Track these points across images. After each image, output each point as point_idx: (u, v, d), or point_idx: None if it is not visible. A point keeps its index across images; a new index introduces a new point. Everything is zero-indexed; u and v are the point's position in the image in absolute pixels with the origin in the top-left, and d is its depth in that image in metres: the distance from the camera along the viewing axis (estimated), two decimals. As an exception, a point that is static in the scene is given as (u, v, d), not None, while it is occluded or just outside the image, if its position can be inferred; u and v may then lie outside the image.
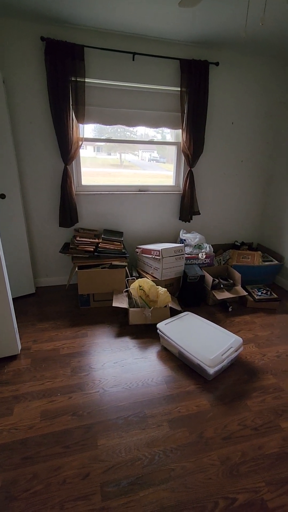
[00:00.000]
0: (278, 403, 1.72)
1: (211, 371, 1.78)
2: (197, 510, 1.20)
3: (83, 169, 2.85)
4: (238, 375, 1.92)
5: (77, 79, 2.32)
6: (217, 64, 2.63)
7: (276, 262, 3.14)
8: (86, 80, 2.43)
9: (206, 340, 2.00)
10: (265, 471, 1.36)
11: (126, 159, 3.34)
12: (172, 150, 3.06)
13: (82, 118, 2.45)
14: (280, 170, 3.18)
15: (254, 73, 2.86)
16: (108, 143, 3.11)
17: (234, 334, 2.07)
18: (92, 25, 2.25)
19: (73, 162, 2.70)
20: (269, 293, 2.81)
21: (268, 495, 1.26)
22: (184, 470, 1.35)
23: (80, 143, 2.54)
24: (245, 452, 1.44)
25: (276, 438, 1.51)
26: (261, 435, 1.53)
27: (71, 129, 2.43)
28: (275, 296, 2.77)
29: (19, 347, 2.04)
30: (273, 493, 1.27)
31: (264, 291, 2.84)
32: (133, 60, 2.48)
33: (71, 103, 2.37)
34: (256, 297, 2.74)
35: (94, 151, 3.37)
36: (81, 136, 2.54)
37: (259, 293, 2.81)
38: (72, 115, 2.41)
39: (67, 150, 2.48)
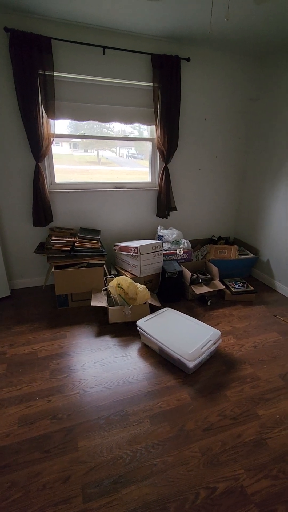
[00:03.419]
0: (256, 392, 1.78)
1: (190, 365, 1.80)
2: (179, 502, 1.22)
3: (59, 167, 2.77)
4: (217, 367, 1.97)
5: (46, 73, 2.24)
6: (188, 59, 2.64)
7: (252, 255, 3.23)
8: (55, 74, 2.35)
9: (186, 335, 2.02)
10: (244, 458, 1.40)
11: (104, 156, 3.30)
12: (148, 146, 3.04)
13: (52, 113, 2.37)
14: (252, 166, 3.26)
15: (225, 70, 2.90)
16: (84, 140, 3.04)
17: (212, 328, 2.11)
18: (59, 16, 2.18)
19: (45, 159, 2.62)
20: (245, 285, 2.89)
21: (247, 481, 1.30)
22: (166, 464, 1.36)
23: (51, 139, 2.46)
24: (225, 442, 1.47)
25: (254, 426, 1.56)
26: (239, 423, 1.57)
27: (42, 124, 2.35)
28: (252, 288, 2.85)
29: (-6, 352, 1.96)
30: (251, 478, 1.31)
31: (241, 284, 2.91)
32: (103, 54, 2.43)
33: (40, 98, 2.29)
34: (234, 290, 2.81)
35: (70, 148, 3.29)
36: (52, 132, 2.46)
37: (236, 286, 2.88)
38: (42, 110, 2.33)
39: (38, 147, 2.40)
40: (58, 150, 2.84)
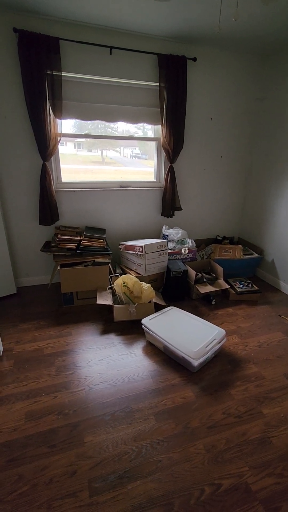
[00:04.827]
0: (260, 391, 1.78)
1: (195, 363, 1.81)
2: (184, 498, 1.23)
3: (64, 166, 2.80)
4: (221, 366, 1.97)
5: (53, 73, 2.27)
6: (194, 59, 2.65)
7: (256, 255, 3.23)
8: (63, 74, 2.37)
9: (190, 333, 2.03)
10: (248, 456, 1.40)
11: (108, 156, 3.31)
12: (153, 146, 3.06)
13: (59, 113, 2.39)
14: (256, 166, 3.26)
15: (231, 69, 2.90)
16: (89, 140, 3.07)
17: (217, 326, 2.12)
18: (67, 17, 2.20)
19: (52, 158, 2.64)
20: (250, 285, 2.89)
21: (251, 479, 1.30)
22: (171, 460, 1.37)
23: (58, 138, 2.49)
24: (229, 439, 1.48)
25: (259, 424, 1.56)
26: (244, 422, 1.58)
27: (49, 124, 2.38)
28: (256, 288, 2.85)
29: (1, 348, 1.99)
30: (256, 476, 1.32)
31: (246, 284, 2.91)
32: (110, 54, 2.44)
33: (47, 98, 2.31)
34: (238, 290, 2.81)
35: (75, 147, 3.31)
36: (59, 131, 2.49)
37: (241, 286, 2.88)
38: (49, 110, 2.35)
39: (45, 146, 2.43)
40: (63, 150, 2.86)
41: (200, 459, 1.38)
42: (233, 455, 1.41)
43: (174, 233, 3.01)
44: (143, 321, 2.16)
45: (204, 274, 2.87)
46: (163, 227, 3.12)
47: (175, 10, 2.04)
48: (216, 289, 2.73)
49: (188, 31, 2.37)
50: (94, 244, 2.60)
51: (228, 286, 2.78)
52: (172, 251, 2.90)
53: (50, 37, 2.18)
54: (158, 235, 3.28)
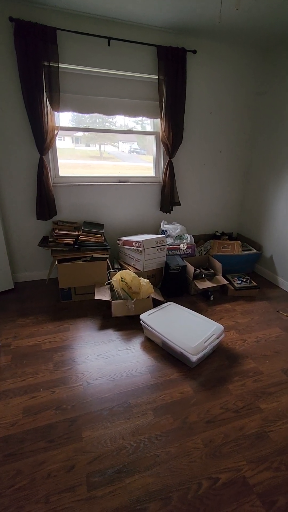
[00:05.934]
0: (258, 386, 1.79)
1: (193, 358, 1.81)
2: (182, 492, 1.23)
3: (62, 161, 2.76)
4: (220, 361, 1.98)
5: (50, 64, 2.22)
6: (194, 52, 2.61)
7: (255, 251, 3.23)
8: (60, 65, 2.32)
9: (189, 329, 2.03)
10: (246, 450, 1.41)
11: (106, 151, 3.28)
12: (152, 140, 3.03)
13: (57, 105, 2.35)
14: (256, 162, 3.23)
15: (231, 63, 2.86)
16: (87, 134, 3.03)
17: (215, 322, 2.12)
18: (65, 6, 2.15)
19: (49, 152, 2.61)
20: (248, 281, 2.89)
21: (248, 473, 1.31)
22: (169, 455, 1.38)
23: (56, 132, 2.45)
24: (227, 434, 1.49)
25: (256, 419, 1.57)
26: (242, 416, 1.58)
27: (46, 117, 2.34)
28: (254, 284, 2.85)
29: (-1, 344, 1.98)
30: (253, 470, 1.32)
31: (244, 280, 2.91)
32: (109, 45, 2.40)
33: (44, 90, 2.27)
34: (236, 286, 2.81)
35: (73, 142, 3.27)
36: (56, 124, 2.45)
37: (239, 282, 2.88)
38: (46, 102, 2.31)
39: (42, 139, 2.39)
40: (61, 145, 2.82)
41: (198, 453, 1.39)
42: (231, 449, 1.41)
43: (173, 228, 3.00)
44: (141, 316, 2.15)
45: (202, 270, 2.86)
46: (162, 223, 3.10)
47: (175, 0, 1.99)
48: (215, 284, 2.72)
49: (189, 22, 2.33)
50: (92, 239, 2.58)
51: (226, 282, 2.77)
52: (171, 246, 2.89)
53: (47, 27, 2.13)
54: (157, 230, 3.27)
